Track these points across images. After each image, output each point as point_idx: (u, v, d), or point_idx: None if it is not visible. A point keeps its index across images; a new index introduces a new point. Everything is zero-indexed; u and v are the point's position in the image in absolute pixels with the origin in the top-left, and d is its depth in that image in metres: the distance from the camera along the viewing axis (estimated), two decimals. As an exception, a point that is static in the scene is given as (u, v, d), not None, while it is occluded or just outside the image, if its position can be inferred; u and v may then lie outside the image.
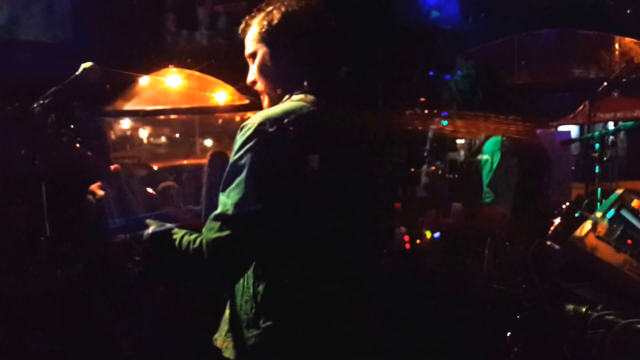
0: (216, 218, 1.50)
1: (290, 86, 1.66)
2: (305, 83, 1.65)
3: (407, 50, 6.33)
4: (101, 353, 2.87)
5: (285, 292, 1.56)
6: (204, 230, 1.52)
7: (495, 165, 2.79)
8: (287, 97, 1.66)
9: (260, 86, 1.72)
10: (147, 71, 2.95)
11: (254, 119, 1.56)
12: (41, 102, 2.56)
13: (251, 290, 1.57)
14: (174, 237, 1.56)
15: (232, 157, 1.54)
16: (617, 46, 8.08)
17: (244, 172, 1.50)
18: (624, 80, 4.46)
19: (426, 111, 3.44)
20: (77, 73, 2.50)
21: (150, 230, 1.61)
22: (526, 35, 8.26)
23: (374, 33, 5.41)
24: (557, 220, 2.33)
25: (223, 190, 1.53)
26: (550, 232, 2.32)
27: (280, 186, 1.51)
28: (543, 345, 2.31)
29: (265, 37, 1.67)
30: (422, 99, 3.51)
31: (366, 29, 5.24)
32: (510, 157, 2.80)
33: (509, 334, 2.26)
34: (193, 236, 1.53)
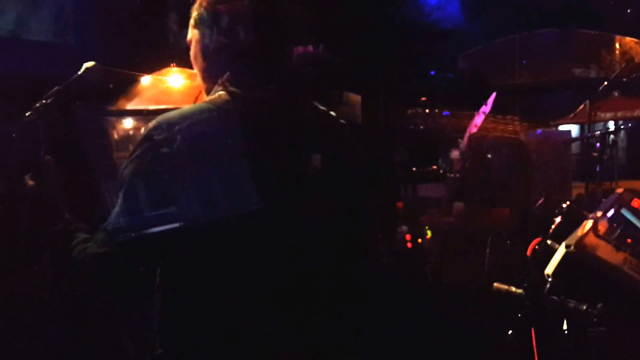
0: (101, 230, 1.39)
1: (215, 78, 1.50)
2: (227, 76, 1.48)
3: (409, 50, 6.34)
4: (105, 351, 2.88)
5: (182, 315, 1.40)
6: (92, 241, 1.41)
7: (491, 160, 2.90)
8: (214, 89, 1.50)
9: (197, 77, 1.58)
10: (150, 70, 2.96)
11: (150, 123, 1.43)
12: (44, 101, 2.57)
13: (155, 308, 1.44)
14: (73, 241, 1.45)
15: (123, 164, 1.42)
16: (617, 46, 8.09)
17: (127, 182, 1.38)
18: (624, 79, 4.46)
19: (427, 110, 3.45)
20: (79, 72, 2.51)
21: (57, 228, 1.52)
22: (527, 35, 8.26)
23: (375, 32, 5.42)
24: (557, 219, 2.34)
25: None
26: (550, 231, 2.33)
27: (166, 196, 1.35)
28: (544, 343, 2.31)
29: (197, 23, 1.53)
30: (423, 98, 3.52)
31: (368, 28, 5.25)
32: (506, 151, 2.90)
33: (510, 332, 2.27)
34: (84, 246, 1.42)
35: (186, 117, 1.41)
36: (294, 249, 1.45)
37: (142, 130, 1.44)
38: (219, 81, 1.49)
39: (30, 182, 1.64)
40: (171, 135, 1.38)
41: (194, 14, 1.54)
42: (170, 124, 1.39)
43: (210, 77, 1.53)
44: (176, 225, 1.35)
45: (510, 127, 2.91)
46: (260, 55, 1.50)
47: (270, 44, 1.52)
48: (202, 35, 1.52)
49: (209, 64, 1.53)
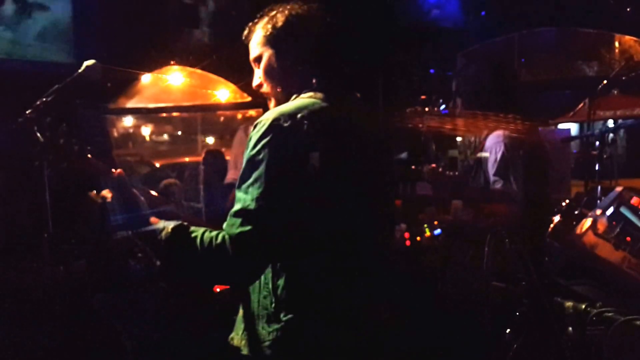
0: (237, 214, 1.52)
1: (297, 86, 1.70)
2: (313, 81, 1.69)
3: (408, 48, 6.34)
4: (104, 350, 2.88)
5: (305, 286, 1.58)
6: (225, 226, 1.53)
7: (499, 155, 2.89)
8: (294, 96, 1.69)
9: (266, 89, 1.75)
10: (149, 69, 2.96)
11: (268, 115, 1.58)
12: (44, 99, 2.57)
13: (270, 285, 1.58)
14: (194, 234, 1.56)
15: (248, 154, 1.55)
16: (617, 44, 8.09)
17: (262, 167, 1.52)
18: (623, 78, 4.46)
19: (426, 109, 3.45)
20: (79, 71, 2.52)
21: (170, 227, 1.60)
22: (526, 33, 8.26)
23: (375, 31, 5.42)
24: (556, 218, 2.35)
25: (239, 187, 1.54)
26: (550, 229, 2.33)
27: (298, 180, 1.53)
28: (542, 342, 2.32)
29: (270, 40, 1.71)
30: (423, 97, 3.52)
31: (367, 27, 5.25)
32: (512, 147, 2.89)
33: (508, 330, 2.27)
34: (214, 233, 1.54)
35: (302, 107, 1.60)
36: (371, 231, 1.68)
37: (256, 123, 1.57)
38: (306, 87, 1.68)
39: (99, 200, 1.72)
40: (296, 123, 1.55)
41: (263, 32, 1.72)
42: (291, 114, 1.57)
43: (289, 87, 1.71)
44: (306, 204, 1.53)
45: (518, 126, 2.91)
46: (331, 63, 1.72)
47: (336, 53, 1.74)
48: (279, 51, 1.70)
49: (289, 75, 1.71)
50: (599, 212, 2.24)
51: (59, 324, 2.88)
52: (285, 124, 1.55)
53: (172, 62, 3.42)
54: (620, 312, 2.08)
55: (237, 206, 1.53)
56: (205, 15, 5.38)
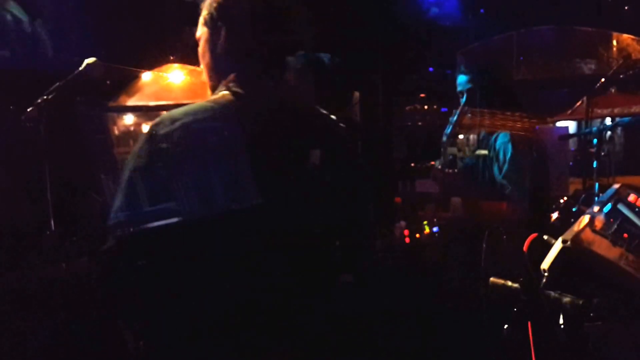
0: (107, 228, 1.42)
1: (222, 77, 1.55)
2: (233, 76, 1.52)
3: (407, 47, 6.35)
4: (106, 347, 2.89)
5: (179, 309, 1.43)
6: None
7: (508, 156, 2.89)
8: (219, 88, 1.54)
9: (203, 74, 1.63)
10: (150, 67, 2.97)
11: (155, 119, 1.47)
12: (45, 97, 2.59)
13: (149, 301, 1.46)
14: None
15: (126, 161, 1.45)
16: (615, 42, 8.11)
17: (127, 177, 1.40)
18: (621, 76, 4.48)
19: (425, 107, 3.47)
20: (80, 69, 2.53)
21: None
22: (525, 32, 8.28)
23: (374, 29, 5.43)
24: (554, 215, 2.36)
25: None
26: (548, 226, 2.35)
27: (165, 192, 1.37)
28: (540, 337, 2.33)
29: (208, 21, 1.57)
30: (422, 95, 3.54)
31: (366, 25, 5.26)
32: (521, 149, 2.90)
33: (506, 326, 2.29)
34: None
35: (188, 114, 1.44)
36: (290, 243, 1.47)
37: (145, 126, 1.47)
38: (223, 81, 1.53)
39: (99, 198, 1.69)
40: (172, 131, 1.40)
41: (204, 12, 1.57)
42: (172, 120, 1.42)
43: (216, 76, 1.57)
44: (175, 220, 1.37)
45: (523, 124, 2.93)
46: (266, 57, 1.54)
47: (276, 46, 1.55)
48: (211, 34, 1.55)
49: (216, 63, 1.56)
50: (596, 209, 2.25)
51: (60, 322, 2.89)
52: (162, 131, 1.41)
53: (171, 58, 3.43)
54: (617, 309, 2.09)
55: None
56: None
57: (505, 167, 2.92)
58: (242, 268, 1.42)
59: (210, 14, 1.55)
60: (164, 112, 1.47)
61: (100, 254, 1.40)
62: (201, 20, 1.59)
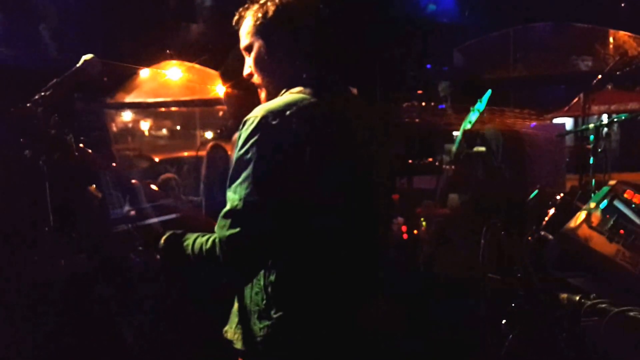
0: (226, 215, 1.48)
1: (288, 79, 1.62)
2: (303, 76, 1.61)
3: (405, 44, 6.35)
4: (105, 343, 2.89)
5: (296, 283, 1.55)
6: (216, 228, 1.50)
7: (500, 143, 2.97)
8: (284, 90, 1.61)
9: (257, 79, 1.67)
10: (148, 64, 2.97)
11: (256, 112, 1.52)
12: (42, 94, 2.58)
13: (262, 282, 1.55)
14: (186, 242, 1.56)
15: (237, 152, 1.50)
16: (611, 39, 8.12)
17: (250, 166, 1.47)
18: (618, 73, 4.49)
19: (423, 104, 3.48)
20: (77, 65, 2.52)
21: (162, 240, 1.62)
22: (522, 29, 8.29)
23: (371, 27, 5.42)
24: (551, 211, 2.37)
25: (230, 186, 1.51)
26: (544, 222, 2.36)
27: (287, 178, 1.48)
28: (537, 333, 2.34)
29: (261, 30, 1.62)
30: (420, 92, 3.55)
31: (364, 22, 5.25)
32: (512, 138, 2.99)
33: (504, 322, 2.30)
34: (205, 237, 1.53)
35: (291, 104, 1.53)
36: (365, 227, 1.62)
37: (245, 121, 1.53)
38: (296, 81, 1.60)
39: (98, 194, 1.71)
40: (284, 120, 1.49)
41: (254, 22, 1.62)
42: (279, 111, 1.51)
43: (279, 80, 1.63)
44: (292, 205, 1.48)
45: (524, 121, 3.00)
46: (324, 56, 1.63)
47: (329, 46, 1.64)
48: (270, 42, 1.62)
49: (279, 68, 1.63)
50: (593, 205, 2.26)
51: (59, 318, 2.89)
52: (274, 122, 1.49)
53: (169, 53, 3.44)
54: (613, 304, 2.10)
55: (227, 206, 1.49)
56: (203, 10, 5.38)
57: (499, 154, 3.00)
58: (333, 252, 1.55)
59: (264, 24, 1.61)
60: (257, 108, 1.53)
61: (233, 238, 1.46)
62: (248, 30, 1.64)
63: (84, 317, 2.88)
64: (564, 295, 2.21)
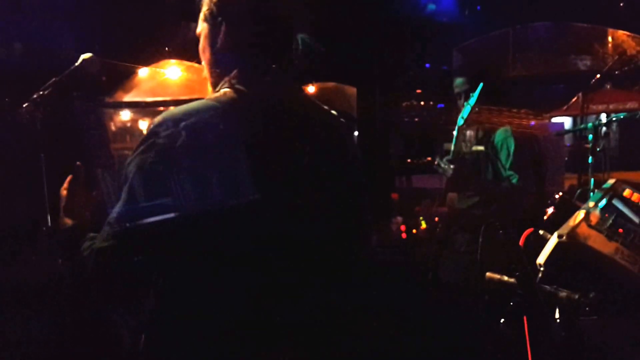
0: (105, 225, 1.37)
1: (223, 74, 1.51)
2: (234, 73, 1.49)
3: (404, 43, 6.35)
4: (102, 342, 2.89)
5: (179, 311, 1.41)
6: (97, 237, 1.39)
7: (512, 149, 2.95)
8: (219, 85, 1.50)
9: (204, 71, 1.57)
10: (146, 62, 2.96)
11: (156, 119, 1.42)
12: (41, 92, 2.58)
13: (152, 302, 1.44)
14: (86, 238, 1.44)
15: (127, 159, 1.40)
16: (610, 39, 8.13)
17: (130, 177, 1.37)
18: (616, 72, 4.50)
19: (422, 103, 3.48)
20: (76, 64, 2.52)
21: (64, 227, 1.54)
22: (521, 28, 8.29)
23: (371, 26, 5.42)
24: (550, 210, 2.37)
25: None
26: (543, 221, 2.35)
27: (169, 192, 1.35)
28: (536, 332, 2.34)
29: (208, 17, 1.53)
30: (419, 91, 3.55)
31: (363, 21, 5.26)
32: (523, 141, 2.96)
33: (502, 320, 2.30)
34: (90, 242, 1.40)
35: (191, 114, 1.41)
36: (294, 242, 1.45)
37: (146, 125, 1.46)
38: (226, 78, 1.49)
39: (65, 193, 1.64)
40: (176, 131, 1.37)
41: (204, 8, 1.54)
42: (175, 121, 1.39)
43: (217, 72, 1.53)
44: (178, 220, 1.34)
45: (522, 120, 2.98)
46: (267, 52, 1.51)
47: (278, 40, 1.52)
48: (211, 30, 1.52)
49: (217, 59, 1.53)
50: (592, 204, 2.26)
51: (56, 317, 2.89)
52: (165, 133, 1.37)
53: (168, 52, 3.43)
54: (612, 302, 2.10)
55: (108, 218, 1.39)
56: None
57: (511, 159, 2.98)
58: (241, 270, 1.40)
59: (210, 10, 1.52)
60: (165, 111, 1.45)
61: (103, 251, 1.35)
62: (201, 16, 1.55)
63: (81, 316, 2.88)
64: (563, 294, 2.21)
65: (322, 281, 1.49)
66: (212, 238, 1.37)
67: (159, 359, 1.45)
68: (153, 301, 1.44)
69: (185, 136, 1.36)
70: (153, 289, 1.44)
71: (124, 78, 2.83)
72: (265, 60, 1.51)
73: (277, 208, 1.42)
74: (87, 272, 1.38)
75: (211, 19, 1.52)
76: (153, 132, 1.39)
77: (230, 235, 1.38)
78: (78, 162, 1.68)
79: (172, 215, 1.34)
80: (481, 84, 2.85)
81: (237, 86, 1.48)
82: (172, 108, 1.48)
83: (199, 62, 1.71)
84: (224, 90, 1.48)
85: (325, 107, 1.62)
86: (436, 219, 3.42)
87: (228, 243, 1.38)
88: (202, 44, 1.56)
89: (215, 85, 1.54)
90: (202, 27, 1.55)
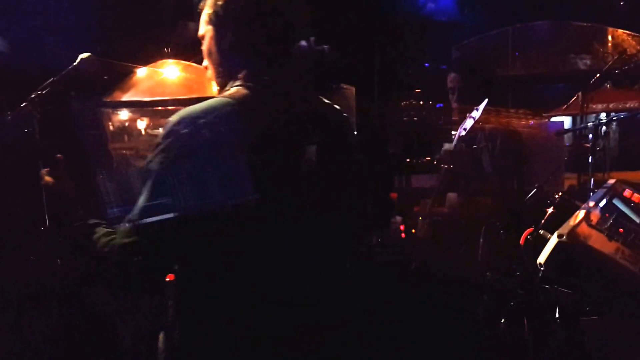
0: (127, 221, 1.41)
1: (231, 74, 1.55)
2: (244, 73, 1.53)
3: (403, 42, 6.34)
4: (100, 343, 2.89)
5: (207, 305, 1.44)
6: (118, 231, 1.44)
7: (497, 144, 2.98)
8: (229, 85, 1.54)
9: (209, 72, 1.61)
10: (145, 62, 2.95)
11: (172, 118, 1.45)
12: (39, 92, 2.57)
13: (177, 296, 1.48)
14: (95, 235, 1.48)
15: (147, 157, 1.43)
16: (610, 38, 8.12)
17: (153, 175, 1.39)
18: (616, 71, 4.50)
19: (421, 102, 3.49)
20: (74, 63, 2.51)
21: (76, 224, 1.55)
22: (520, 27, 8.28)
23: (369, 25, 5.42)
24: (550, 210, 2.37)
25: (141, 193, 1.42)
26: (543, 221, 2.35)
27: (191, 189, 1.38)
28: (537, 331, 2.34)
29: (213, 19, 1.55)
30: (417, 90, 3.55)
31: (362, 20, 5.25)
32: (509, 138, 2.99)
33: (503, 320, 2.30)
34: (108, 238, 1.45)
35: (209, 111, 1.44)
36: (307, 237, 1.49)
37: (145, 125, 1.47)
38: (238, 76, 1.52)
39: (48, 178, 1.65)
40: (196, 128, 1.40)
41: (208, 10, 1.56)
42: (193, 118, 1.42)
43: (224, 73, 1.56)
44: (201, 217, 1.37)
45: (520, 120, 3.00)
46: (275, 51, 1.53)
47: (284, 40, 1.54)
48: (218, 31, 1.55)
49: (224, 60, 1.56)
50: (592, 204, 2.26)
51: (55, 317, 2.88)
52: (184, 130, 1.40)
53: (166, 52, 3.42)
54: (612, 302, 2.10)
55: (130, 215, 1.41)
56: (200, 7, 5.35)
57: (494, 159, 3.01)
58: (258, 264, 1.43)
59: (216, 12, 1.54)
60: (181, 110, 1.46)
61: (126, 247, 1.38)
62: (204, 18, 1.58)
63: (79, 317, 2.87)
64: (563, 294, 2.21)
65: (325, 277, 1.53)
66: (234, 233, 1.40)
67: (181, 357, 1.48)
68: (174, 299, 1.47)
69: (206, 132, 1.39)
70: (174, 286, 1.47)
71: (123, 77, 2.82)
72: (272, 58, 1.53)
73: (292, 202, 1.46)
74: (110, 268, 1.41)
75: (217, 20, 1.54)
76: (172, 130, 1.41)
77: (251, 230, 1.41)
78: (59, 155, 1.69)
79: (194, 213, 1.37)
80: (486, 100, 2.88)
81: (249, 84, 1.51)
82: (188, 107, 1.49)
83: (197, 62, 1.71)
84: (236, 88, 1.51)
85: (333, 104, 1.65)
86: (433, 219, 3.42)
87: (248, 237, 1.41)
88: (208, 45, 1.58)
89: (223, 85, 1.56)
90: (206, 29, 1.57)
